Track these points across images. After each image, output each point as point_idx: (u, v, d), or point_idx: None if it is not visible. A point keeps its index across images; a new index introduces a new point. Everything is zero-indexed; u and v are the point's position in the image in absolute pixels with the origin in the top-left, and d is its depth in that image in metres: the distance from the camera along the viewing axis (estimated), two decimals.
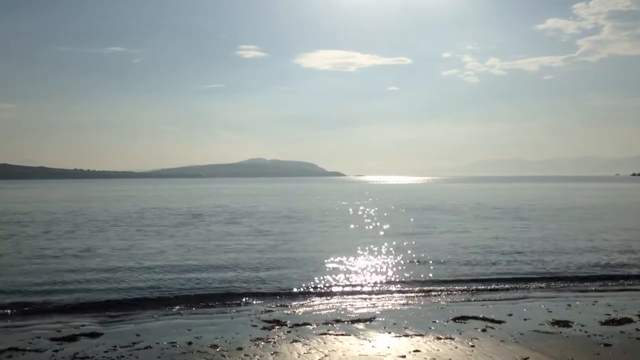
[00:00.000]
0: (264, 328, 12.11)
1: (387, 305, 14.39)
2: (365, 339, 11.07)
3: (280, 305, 14.49)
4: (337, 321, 12.68)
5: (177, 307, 14.32)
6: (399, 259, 22.13)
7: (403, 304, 14.51)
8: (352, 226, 36.60)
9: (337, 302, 14.78)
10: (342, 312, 13.62)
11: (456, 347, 10.40)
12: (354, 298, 15.34)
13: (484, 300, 14.93)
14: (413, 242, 27.11)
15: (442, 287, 16.63)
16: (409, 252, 23.91)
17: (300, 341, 10.90)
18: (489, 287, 16.64)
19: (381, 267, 20.23)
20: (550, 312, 13.50)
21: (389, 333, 11.54)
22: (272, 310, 13.87)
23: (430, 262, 21.34)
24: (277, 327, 12.15)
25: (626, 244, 26.02)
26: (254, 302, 15.01)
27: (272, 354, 10.07)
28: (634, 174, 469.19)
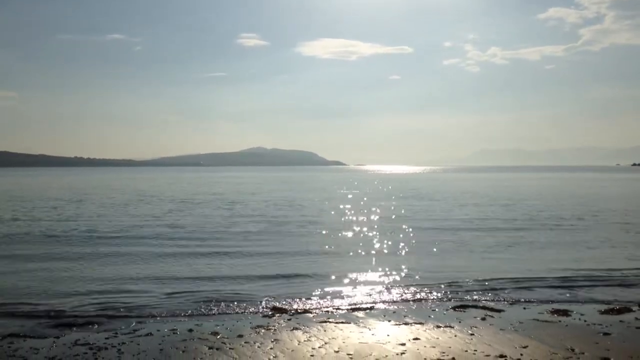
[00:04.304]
0: (265, 316, 12.17)
1: (387, 294, 14.42)
2: (365, 327, 11.12)
3: (281, 294, 14.51)
4: (337, 309, 12.74)
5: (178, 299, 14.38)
6: (397, 247, 22.16)
7: (402, 293, 14.54)
8: (348, 215, 36.62)
9: (337, 291, 14.80)
10: (342, 300, 13.67)
11: (455, 336, 10.45)
12: (353, 286, 15.36)
13: (484, 288, 14.95)
14: (411, 231, 27.12)
15: (442, 276, 16.62)
16: (408, 240, 23.93)
17: (300, 329, 10.95)
18: (487, 278, 16.66)
19: (380, 256, 20.26)
20: (550, 300, 13.55)
21: (389, 321, 11.58)
22: (272, 298, 13.90)
23: (430, 251, 21.38)
24: (278, 315, 12.21)
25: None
26: (254, 290, 15.01)
27: (272, 341, 10.12)
28: (634, 164, 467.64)
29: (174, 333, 10.75)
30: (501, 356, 9.22)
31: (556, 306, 12.85)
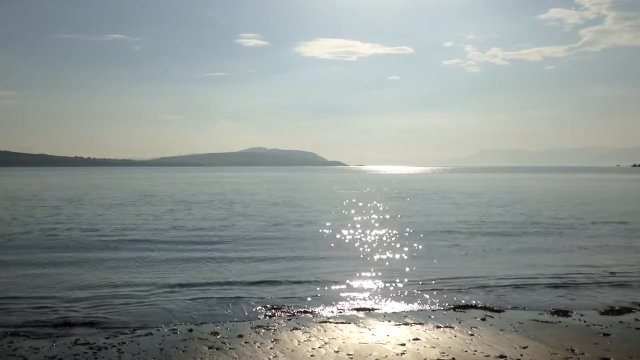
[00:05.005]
0: (265, 316, 12.19)
1: (386, 295, 14.41)
2: (365, 327, 11.12)
3: (280, 294, 14.51)
4: (337, 309, 12.74)
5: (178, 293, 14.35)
6: (397, 248, 22.16)
7: (402, 293, 14.54)
8: (347, 216, 36.60)
9: (336, 291, 14.80)
10: (342, 301, 13.66)
11: (455, 336, 10.45)
12: (353, 287, 15.34)
13: (484, 289, 14.95)
14: (410, 232, 27.12)
15: (441, 277, 16.62)
16: (407, 241, 23.92)
17: (300, 329, 10.95)
18: (487, 279, 16.66)
19: (380, 257, 20.27)
20: (549, 301, 13.56)
21: (389, 321, 11.58)
22: (272, 298, 13.90)
23: (429, 252, 21.38)
24: (278, 315, 12.22)
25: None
26: (254, 290, 15.01)
27: (272, 341, 10.13)
28: (634, 165, 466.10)
29: (173, 333, 10.76)
30: (501, 356, 9.23)
31: (556, 307, 12.86)
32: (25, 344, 10.13)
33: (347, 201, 51.05)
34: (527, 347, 9.75)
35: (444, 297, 14.06)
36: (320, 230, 28.03)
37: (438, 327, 11.07)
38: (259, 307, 12.92)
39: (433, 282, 15.84)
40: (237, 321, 11.69)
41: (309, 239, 24.70)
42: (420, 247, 22.42)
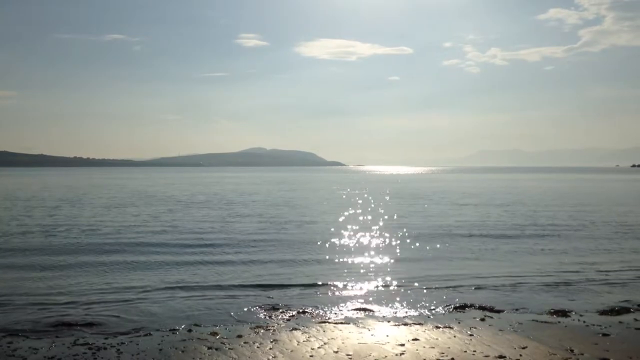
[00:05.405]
0: (264, 316, 12.18)
1: (385, 295, 14.41)
2: (364, 328, 11.12)
3: (280, 294, 14.51)
4: (336, 310, 12.74)
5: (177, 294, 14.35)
6: (396, 249, 22.16)
7: (401, 294, 14.54)
8: (346, 216, 36.60)
9: (336, 292, 14.80)
10: (341, 301, 13.66)
11: (455, 336, 10.45)
12: (352, 288, 15.34)
13: (483, 289, 14.96)
14: (409, 233, 27.12)
15: (440, 277, 16.63)
16: (406, 242, 23.93)
17: (299, 329, 10.95)
18: (486, 279, 16.67)
19: (379, 257, 20.26)
20: (549, 301, 13.56)
21: (388, 322, 11.59)
22: (271, 299, 13.90)
23: (428, 253, 21.38)
24: (277, 315, 12.21)
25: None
26: (253, 291, 15.00)
27: (271, 342, 10.12)
28: (633, 165, 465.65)
29: (173, 333, 10.75)
30: (500, 357, 9.23)
31: (555, 307, 12.86)
32: (25, 344, 10.12)
33: (346, 202, 51.03)
34: (526, 347, 9.75)
35: (443, 297, 14.05)
36: (320, 231, 27.99)
37: (437, 327, 11.07)
38: (258, 308, 12.92)
39: (432, 282, 15.83)
40: (236, 322, 11.68)
41: (308, 240, 24.67)
42: (419, 247, 22.43)
